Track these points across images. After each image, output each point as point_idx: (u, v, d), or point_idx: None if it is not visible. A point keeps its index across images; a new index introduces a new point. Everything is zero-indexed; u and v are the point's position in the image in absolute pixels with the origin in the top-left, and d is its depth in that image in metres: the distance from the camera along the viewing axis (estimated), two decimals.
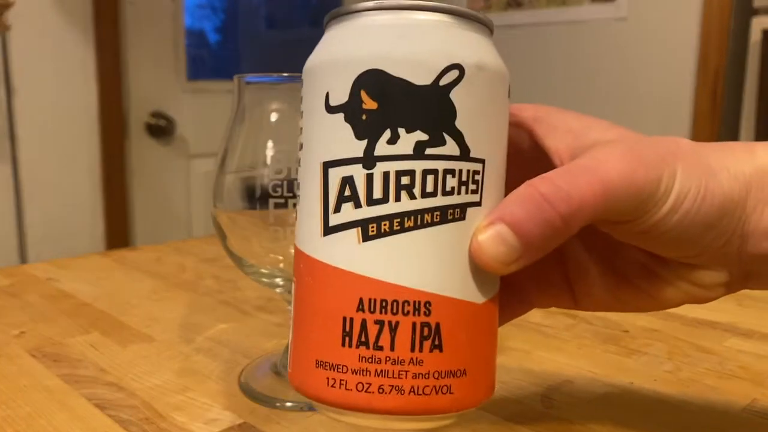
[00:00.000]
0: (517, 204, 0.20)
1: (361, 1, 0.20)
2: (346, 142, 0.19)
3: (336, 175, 0.20)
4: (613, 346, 0.41)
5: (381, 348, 0.19)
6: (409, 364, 0.19)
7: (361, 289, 0.19)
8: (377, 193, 0.19)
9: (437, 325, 0.19)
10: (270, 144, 0.32)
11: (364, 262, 0.19)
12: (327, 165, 0.20)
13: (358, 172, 0.19)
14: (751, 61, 1.46)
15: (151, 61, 1.61)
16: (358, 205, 0.19)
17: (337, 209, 0.20)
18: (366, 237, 0.19)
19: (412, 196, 0.19)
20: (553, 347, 0.41)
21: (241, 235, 0.33)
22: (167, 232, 1.68)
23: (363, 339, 0.19)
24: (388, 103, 0.19)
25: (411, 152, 0.19)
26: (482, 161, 0.20)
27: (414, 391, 0.19)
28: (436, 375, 0.20)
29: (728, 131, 1.61)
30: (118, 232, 1.59)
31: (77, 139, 1.51)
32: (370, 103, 0.19)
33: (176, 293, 0.52)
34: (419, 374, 0.19)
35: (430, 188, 0.19)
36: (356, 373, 0.19)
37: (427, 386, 0.20)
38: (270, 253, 0.33)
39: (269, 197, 0.31)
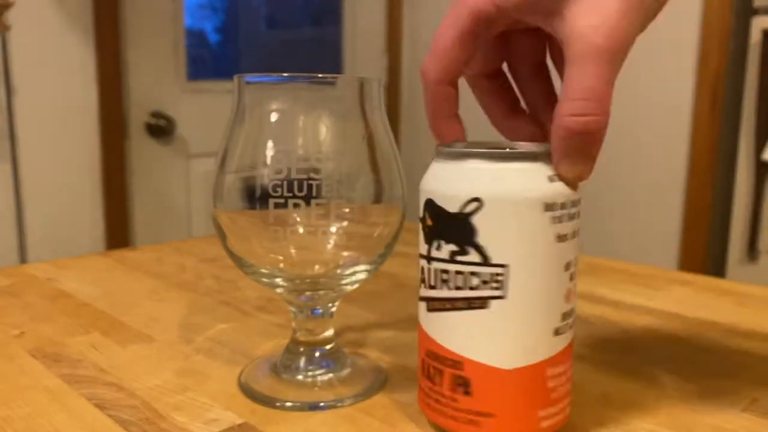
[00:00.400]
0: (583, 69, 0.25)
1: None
2: (422, 242, 0.29)
3: (420, 262, 0.29)
4: (613, 345, 0.41)
5: (435, 383, 0.29)
6: (448, 399, 0.29)
7: (428, 343, 0.29)
8: (431, 282, 0.28)
9: (468, 378, 0.28)
10: (270, 144, 0.32)
11: (428, 325, 0.29)
12: (419, 254, 0.29)
13: (426, 265, 0.29)
14: (751, 61, 1.46)
15: (151, 61, 1.61)
16: (425, 287, 0.29)
17: (420, 285, 0.29)
18: (429, 309, 0.29)
19: (450, 288, 0.28)
20: None
21: (241, 235, 0.33)
22: (167, 232, 1.68)
23: (428, 375, 0.29)
24: (435, 223, 0.28)
25: (447, 258, 0.27)
26: (505, 266, 0.27)
27: (452, 418, 0.29)
28: (466, 411, 0.28)
29: (728, 131, 1.61)
30: (118, 232, 1.59)
31: (77, 139, 1.51)
32: (429, 221, 0.28)
33: (176, 293, 0.52)
34: (455, 408, 0.28)
35: (459, 284, 0.27)
36: (426, 395, 0.30)
37: (461, 417, 0.28)
38: (270, 254, 0.33)
39: (269, 197, 0.31)
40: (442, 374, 0.28)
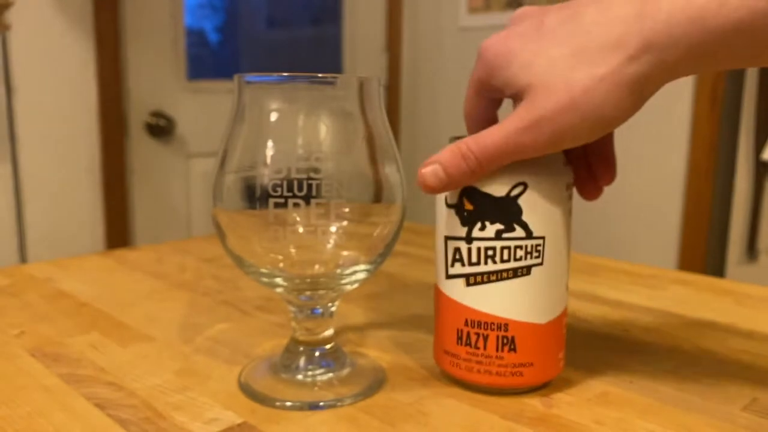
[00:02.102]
0: (447, 152, 0.31)
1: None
2: (456, 226, 0.33)
3: (451, 245, 0.33)
4: (613, 345, 0.42)
5: (478, 348, 0.33)
6: (494, 359, 0.33)
7: (468, 313, 0.33)
8: (473, 259, 0.32)
9: (513, 336, 0.33)
10: (270, 144, 0.32)
11: (468, 298, 0.33)
12: (446, 238, 0.33)
13: (463, 246, 0.33)
14: None
15: (151, 60, 1.61)
16: (463, 265, 0.33)
17: (452, 265, 0.33)
18: (469, 284, 0.33)
19: (495, 262, 0.32)
20: None
21: (240, 235, 0.33)
22: (167, 232, 1.68)
23: (468, 342, 0.33)
24: (478, 207, 0.32)
25: (493, 236, 0.32)
26: (543, 238, 0.32)
27: (498, 374, 0.33)
28: (512, 365, 0.33)
29: (728, 132, 1.61)
30: (118, 232, 1.59)
31: (77, 139, 1.51)
32: (468, 206, 0.32)
33: (176, 293, 0.52)
34: (501, 365, 0.33)
35: (506, 257, 0.32)
36: (465, 360, 0.34)
37: (507, 372, 0.33)
38: (270, 253, 0.33)
39: (269, 197, 0.31)
40: (487, 338, 0.33)
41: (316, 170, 0.31)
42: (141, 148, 1.63)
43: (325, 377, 0.35)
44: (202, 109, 1.72)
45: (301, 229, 0.32)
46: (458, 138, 0.32)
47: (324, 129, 0.33)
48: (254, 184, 0.32)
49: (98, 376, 0.36)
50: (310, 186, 0.31)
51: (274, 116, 0.33)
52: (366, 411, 0.32)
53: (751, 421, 0.32)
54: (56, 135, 1.48)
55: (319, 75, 0.32)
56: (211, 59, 1.94)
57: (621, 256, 0.67)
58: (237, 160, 0.33)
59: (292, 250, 0.32)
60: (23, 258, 1.45)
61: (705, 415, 0.32)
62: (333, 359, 0.36)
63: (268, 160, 0.32)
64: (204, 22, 1.90)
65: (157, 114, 1.64)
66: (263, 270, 0.33)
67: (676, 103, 1.64)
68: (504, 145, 0.30)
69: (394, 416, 0.32)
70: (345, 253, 0.33)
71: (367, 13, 2.10)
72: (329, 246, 0.33)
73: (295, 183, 0.31)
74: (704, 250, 1.64)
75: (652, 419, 0.32)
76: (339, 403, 0.33)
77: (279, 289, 0.34)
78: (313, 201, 0.31)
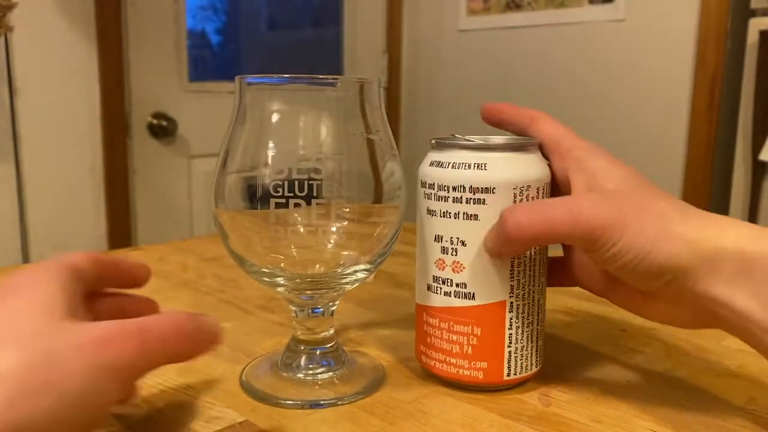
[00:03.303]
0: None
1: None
2: None
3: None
4: (612, 344, 0.42)
5: None
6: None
7: None
8: None
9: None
10: (271, 144, 0.32)
11: None
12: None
13: None
14: (748, 62, 1.46)
15: (153, 62, 1.62)
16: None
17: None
18: None
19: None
20: (552, 346, 0.42)
21: (242, 235, 0.34)
22: (169, 232, 1.69)
23: None
24: None
25: None
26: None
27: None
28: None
29: (725, 132, 1.61)
30: (120, 232, 1.60)
31: (79, 140, 1.52)
32: None
33: (178, 292, 0.53)
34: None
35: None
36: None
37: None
38: (271, 253, 0.33)
39: (270, 197, 0.31)
40: None
41: (316, 171, 0.31)
42: (143, 148, 1.63)
43: (325, 376, 0.35)
44: (203, 110, 1.72)
45: (301, 229, 0.32)
46: (454, 136, 0.33)
47: (325, 130, 0.33)
48: (255, 184, 0.32)
49: None
50: (311, 186, 0.31)
51: (275, 117, 0.33)
52: (366, 409, 0.33)
53: (750, 420, 0.32)
54: (59, 136, 1.48)
55: (320, 76, 0.32)
56: (212, 61, 1.94)
57: None
58: (238, 161, 0.33)
59: (293, 250, 0.33)
60: (26, 258, 1.45)
61: (703, 414, 0.32)
62: (333, 358, 0.36)
63: (270, 161, 0.32)
64: (206, 24, 1.90)
65: (159, 115, 1.64)
66: (264, 269, 0.34)
67: (674, 103, 1.65)
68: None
69: (394, 415, 0.32)
70: (345, 252, 0.34)
71: (367, 16, 2.10)
72: (330, 246, 0.33)
73: (296, 183, 0.31)
74: None
75: (650, 418, 0.32)
76: (339, 402, 0.33)
77: (280, 289, 0.34)
78: (313, 201, 0.31)
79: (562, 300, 0.50)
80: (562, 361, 0.39)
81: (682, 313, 0.31)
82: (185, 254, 0.65)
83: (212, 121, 1.74)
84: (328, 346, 0.36)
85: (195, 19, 1.81)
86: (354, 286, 0.35)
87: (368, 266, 0.34)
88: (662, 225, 0.29)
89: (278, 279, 0.34)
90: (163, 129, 1.64)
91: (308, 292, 0.34)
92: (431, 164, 0.33)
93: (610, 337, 0.43)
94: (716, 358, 0.40)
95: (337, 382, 0.35)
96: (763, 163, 1.53)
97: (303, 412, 0.32)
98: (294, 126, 0.33)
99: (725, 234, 0.28)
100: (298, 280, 0.34)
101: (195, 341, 0.26)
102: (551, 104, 1.79)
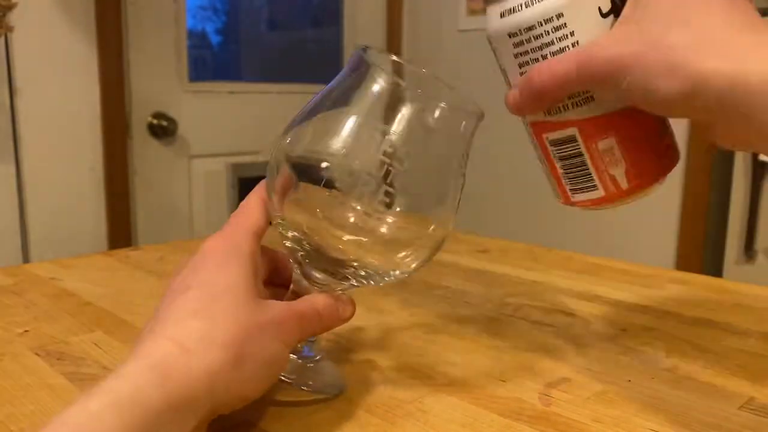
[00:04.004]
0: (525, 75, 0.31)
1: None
2: None
3: None
4: (612, 344, 0.42)
5: None
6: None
7: None
8: None
9: None
10: (362, 122, 0.31)
11: None
12: None
13: None
14: None
15: (153, 62, 1.62)
16: None
17: None
18: None
19: None
20: (552, 345, 0.42)
21: (298, 201, 0.32)
22: (169, 232, 1.69)
23: None
24: None
25: None
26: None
27: None
28: None
29: None
30: (121, 232, 1.60)
31: (80, 140, 1.52)
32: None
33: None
34: None
35: None
36: None
37: None
38: (321, 221, 0.32)
39: (340, 177, 0.30)
40: None
41: (399, 161, 0.30)
42: (143, 149, 1.63)
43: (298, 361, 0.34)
44: (203, 110, 1.72)
45: (357, 212, 0.31)
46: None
47: (421, 127, 0.32)
48: (333, 162, 0.31)
49: (102, 375, 0.36)
50: (387, 174, 0.30)
51: (378, 96, 0.31)
52: (367, 409, 0.33)
53: (749, 420, 0.32)
54: (59, 136, 1.48)
55: (440, 77, 0.32)
56: (212, 61, 1.95)
57: (619, 255, 0.67)
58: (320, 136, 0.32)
59: (341, 233, 0.31)
60: (26, 258, 1.45)
61: (702, 414, 0.32)
62: (314, 349, 0.35)
63: (354, 140, 0.30)
64: (206, 24, 1.90)
65: (159, 115, 1.64)
66: (295, 233, 0.32)
67: None
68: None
69: (394, 414, 0.32)
70: (395, 250, 0.32)
71: (367, 15, 2.10)
72: (379, 232, 0.31)
73: (372, 170, 0.30)
74: (702, 250, 1.64)
75: (650, 418, 0.32)
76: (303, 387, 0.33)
77: (301, 254, 0.33)
78: (382, 189, 0.30)
79: (562, 300, 0.51)
80: (562, 361, 0.39)
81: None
82: (186, 254, 0.65)
83: (212, 121, 1.74)
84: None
85: (195, 19, 1.81)
86: (387, 281, 0.34)
87: (405, 270, 0.33)
88: (668, 59, 0.27)
89: (305, 244, 0.32)
90: (163, 129, 1.64)
91: (329, 271, 0.33)
92: (504, 15, 0.31)
93: (610, 337, 0.43)
94: (716, 358, 0.40)
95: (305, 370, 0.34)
96: (763, 163, 1.53)
97: (303, 411, 0.32)
98: (394, 113, 0.31)
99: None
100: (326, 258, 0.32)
101: (335, 319, 0.33)
102: None
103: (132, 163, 1.61)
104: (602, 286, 0.55)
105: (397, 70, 0.33)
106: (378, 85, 0.31)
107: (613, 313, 0.48)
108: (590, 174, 0.32)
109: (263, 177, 0.34)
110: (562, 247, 0.69)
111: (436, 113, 0.32)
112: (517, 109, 0.32)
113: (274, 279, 0.36)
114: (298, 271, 0.34)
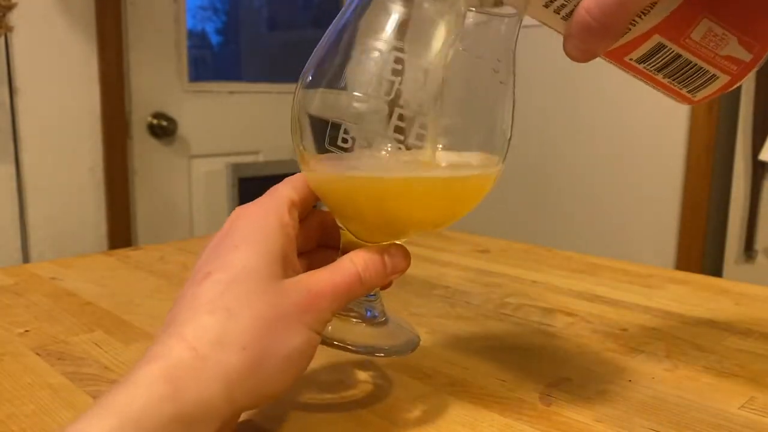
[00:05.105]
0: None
1: None
2: None
3: None
4: (612, 344, 0.42)
5: None
6: None
7: None
8: None
9: None
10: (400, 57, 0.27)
11: None
12: None
13: None
14: None
15: (153, 62, 1.62)
16: None
17: None
18: None
19: None
20: (552, 345, 0.42)
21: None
22: (169, 232, 1.69)
23: None
24: None
25: None
26: None
27: None
28: None
29: (725, 132, 1.61)
30: (121, 232, 1.60)
31: (80, 140, 1.52)
32: None
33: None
34: None
35: None
36: None
37: None
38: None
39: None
40: None
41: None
42: (143, 148, 1.63)
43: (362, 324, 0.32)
44: (203, 110, 1.72)
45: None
46: None
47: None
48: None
49: (102, 374, 0.36)
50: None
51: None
52: (367, 409, 0.33)
53: (749, 420, 0.32)
54: (59, 136, 1.48)
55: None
56: (212, 61, 1.95)
57: (619, 255, 0.67)
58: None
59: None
60: (26, 258, 1.45)
61: (703, 414, 0.32)
62: (376, 307, 0.33)
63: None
64: (206, 24, 1.90)
65: (159, 115, 1.64)
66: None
67: (674, 103, 1.64)
68: None
69: (395, 414, 0.32)
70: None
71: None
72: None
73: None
74: (702, 250, 1.64)
75: (651, 417, 0.32)
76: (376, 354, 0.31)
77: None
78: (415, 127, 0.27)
79: (562, 300, 0.51)
80: (562, 360, 0.39)
81: None
82: (185, 254, 0.65)
83: (212, 121, 1.74)
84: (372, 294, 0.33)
85: (195, 19, 1.81)
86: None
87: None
88: None
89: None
90: (163, 129, 1.64)
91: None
92: None
93: (611, 337, 0.43)
94: (716, 358, 0.40)
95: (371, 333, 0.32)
96: (763, 163, 1.53)
97: (304, 411, 0.32)
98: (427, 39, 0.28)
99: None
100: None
101: (382, 276, 0.30)
102: (551, 104, 1.79)
103: (132, 163, 1.62)
104: (602, 286, 0.55)
105: None
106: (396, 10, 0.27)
107: (613, 313, 0.48)
108: (701, 68, 0.28)
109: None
110: (562, 247, 0.69)
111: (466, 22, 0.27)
112: (587, 56, 0.27)
113: (328, 241, 0.33)
114: (345, 227, 0.31)
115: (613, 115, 1.74)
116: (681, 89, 0.29)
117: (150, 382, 0.24)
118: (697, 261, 1.64)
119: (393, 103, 0.27)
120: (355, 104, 0.27)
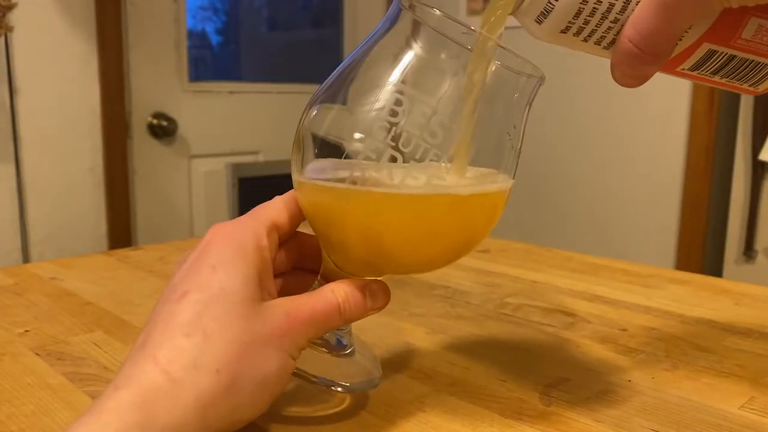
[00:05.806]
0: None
1: None
2: None
3: None
4: (612, 344, 0.42)
5: None
6: None
7: None
8: None
9: None
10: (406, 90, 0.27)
11: None
12: None
13: None
14: None
15: (153, 62, 1.62)
16: None
17: None
18: None
19: None
20: (552, 345, 0.42)
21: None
22: (169, 232, 1.69)
23: None
24: None
25: None
26: None
27: None
28: None
29: (725, 132, 1.61)
30: (121, 232, 1.60)
31: (80, 140, 1.52)
32: None
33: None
34: None
35: None
36: None
37: None
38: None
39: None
40: None
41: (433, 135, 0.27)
42: (143, 148, 1.63)
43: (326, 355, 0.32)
44: (203, 110, 1.72)
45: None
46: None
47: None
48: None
49: (102, 375, 0.36)
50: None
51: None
52: (367, 409, 0.33)
53: (749, 420, 0.32)
54: (59, 136, 1.48)
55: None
56: (212, 61, 1.95)
57: (619, 255, 0.67)
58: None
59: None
60: (26, 258, 1.45)
61: (703, 414, 0.32)
62: (345, 338, 0.33)
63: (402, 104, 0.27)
64: (206, 24, 1.90)
65: (159, 115, 1.64)
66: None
67: (674, 103, 1.65)
68: None
69: (394, 414, 0.32)
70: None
71: (367, 16, 2.10)
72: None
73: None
74: (702, 250, 1.64)
75: (650, 417, 0.32)
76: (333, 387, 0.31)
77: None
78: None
79: (562, 300, 0.51)
80: (562, 360, 0.39)
81: None
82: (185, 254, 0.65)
83: (212, 121, 1.74)
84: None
85: (195, 19, 1.81)
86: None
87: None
88: None
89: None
90: (163, 129, 1.64)
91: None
92: None
93: (611, 337, 0.43)
94: (716, 358, 0.40)
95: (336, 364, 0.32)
96: (763, 164, 1.53)
97: (304, 411, 0.32)
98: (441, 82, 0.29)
99: None
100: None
101: (362, 310, 0.30)
102: (551, 104, 1.79)
103: (132, 163, 1.62)
104: (602, 286, 0.55)
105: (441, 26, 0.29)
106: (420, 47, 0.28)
107: (614, 313, 0.48)
108: (758, 63, 0.28)
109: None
110: (562, 247, 0.69)
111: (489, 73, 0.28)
112: (638, 81, 0.27)
113: (305, 264, 0.33)
114: (327, 256, 0.31)
115: (613, 116, 1.74)
116: (742, 84, 0.29)
117: (121, 410, 0.23)
118: (697, 261, 1.64)
119: (397, 149, 0.27)
120: (357, 145, 0.27)
